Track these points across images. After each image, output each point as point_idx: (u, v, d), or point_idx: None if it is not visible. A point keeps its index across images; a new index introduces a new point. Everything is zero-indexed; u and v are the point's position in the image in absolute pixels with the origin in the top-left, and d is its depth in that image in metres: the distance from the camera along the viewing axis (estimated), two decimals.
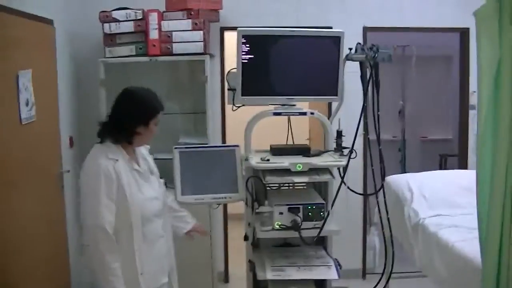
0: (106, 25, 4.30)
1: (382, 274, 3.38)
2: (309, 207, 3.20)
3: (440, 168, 6.48)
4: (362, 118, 3.17)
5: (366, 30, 4.94)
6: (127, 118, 2.63)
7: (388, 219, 3.34)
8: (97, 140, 2.72)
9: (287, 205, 3.19)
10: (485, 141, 2.39)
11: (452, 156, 6.21)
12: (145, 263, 2.62)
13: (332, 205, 3.29)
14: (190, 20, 4.34)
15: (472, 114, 5.25)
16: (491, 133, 2.37)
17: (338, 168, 3.30)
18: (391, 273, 3.31)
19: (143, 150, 2.84)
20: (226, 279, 5.09)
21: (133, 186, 2.61)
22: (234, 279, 5.07)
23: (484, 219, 2.45)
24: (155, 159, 2.98)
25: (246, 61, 3.28)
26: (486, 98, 2.33)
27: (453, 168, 5.63)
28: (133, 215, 2.56)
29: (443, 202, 3.64)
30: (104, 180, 2.51)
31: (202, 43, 4.34)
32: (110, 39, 4.35)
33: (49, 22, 4.03)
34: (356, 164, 4.42)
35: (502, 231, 2.37)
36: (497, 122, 2.34)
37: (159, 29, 4.33)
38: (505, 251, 2.37)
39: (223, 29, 4.85)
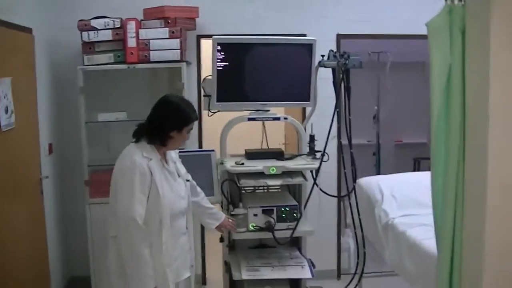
0: (85, 34, 4.36)
1: (354, 273, 3.50)
2: (283, 209, 3.31)
3: (414, 171, 6.59)
4: (333, 122, 3.30)
5: (339, 37, 5.06)
6: (163, 123, 2.80)
7: (360, 220, 3.46)
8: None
9: (261, 207, 3.30)
10: (439, 137, 2.54)
11: (425, 159, 6.33)
12: (171, 257, 2.78)
13: (305, 206, 3.40)
14: (167, 29, 4.42)
15: None
16: (443, 130, 2.53)
17: (311, 171, 3.41)
18: (362, 272, 3.42)
19: (172, 154, 2.99)
20: (203, 281, 5.15)
21: (164, 183, 2.78)
22: (211, 282, 5.14)
23: (438, 212, 2.61)
24: None
25: (221, 68, 3.38)
26: (438, 100, 2.49)
27: (427, 171, 5.73)
28: (164, 211, 2.72)
29: (412, 202, 3.72)
30: (139, 176, 2.67)
31: (179, 50, 4.42)
32: (89, 47, 4.40)
33: (28, 30, 4.07)
34: (331, 167, 4.54)
35: (455, 217, 2.55)
36: (449, 122, 2.51)
37: (137, 37, 4.39)
38: (457, 244, 2.53)
39: (199, 37, 4.93)
